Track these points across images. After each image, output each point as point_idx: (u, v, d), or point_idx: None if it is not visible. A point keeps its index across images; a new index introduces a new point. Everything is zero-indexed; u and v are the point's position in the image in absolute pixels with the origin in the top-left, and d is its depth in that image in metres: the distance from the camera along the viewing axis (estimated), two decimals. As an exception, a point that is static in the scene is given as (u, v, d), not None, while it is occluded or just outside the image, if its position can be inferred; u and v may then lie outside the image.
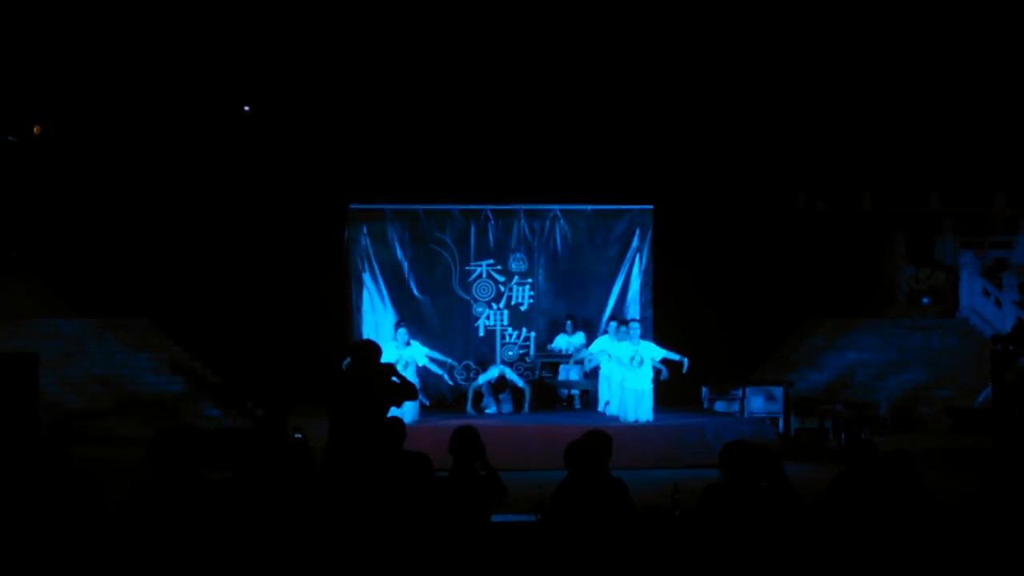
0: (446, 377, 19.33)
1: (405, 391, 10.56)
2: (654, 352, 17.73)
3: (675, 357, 17.63)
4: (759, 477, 7.09)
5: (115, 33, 26.56)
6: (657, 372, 17.70)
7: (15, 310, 23.30)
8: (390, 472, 8.16)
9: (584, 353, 19.80)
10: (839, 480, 7.57)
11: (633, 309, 20.90)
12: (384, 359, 16.02)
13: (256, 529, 6.80)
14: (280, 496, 7.08)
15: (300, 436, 10.17)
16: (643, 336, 18.18)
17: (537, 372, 20.46)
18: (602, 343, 18.93)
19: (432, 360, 18.40)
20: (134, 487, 6.87)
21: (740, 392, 20.97)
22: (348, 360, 11.28)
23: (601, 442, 8.02)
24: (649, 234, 21.27)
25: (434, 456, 8.28)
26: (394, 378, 10.62)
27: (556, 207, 21.46)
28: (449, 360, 19.14)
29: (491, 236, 21.28)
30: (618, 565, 7.32)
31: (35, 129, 26.80)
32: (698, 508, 7.31)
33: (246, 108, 28.91)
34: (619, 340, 18.31)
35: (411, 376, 17.29)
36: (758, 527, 6.91)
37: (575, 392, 20.78)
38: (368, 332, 19.97)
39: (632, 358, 17.59)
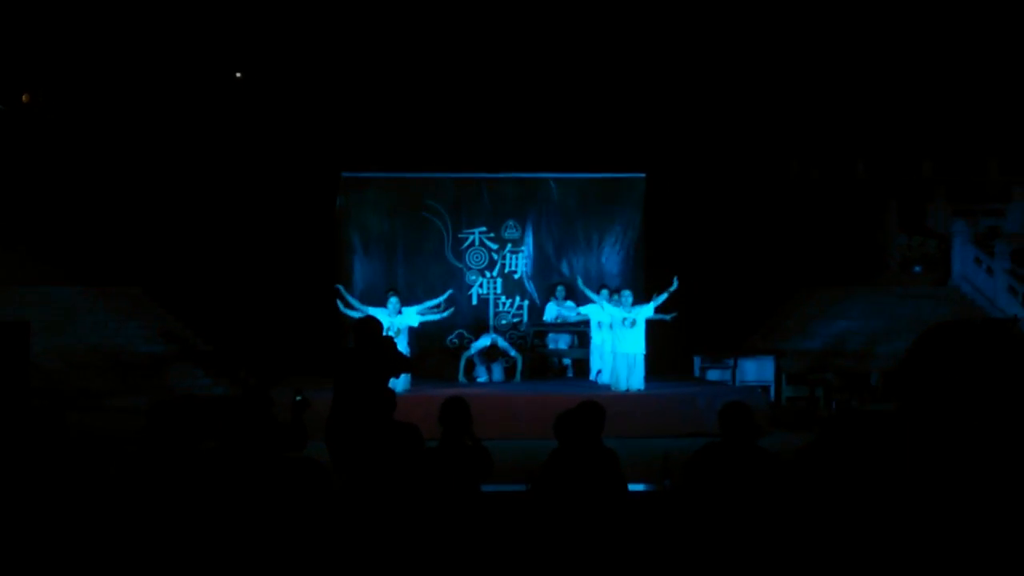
0: (443, 315, 19.04)
1: (402, 364, 11.31)
2: (646, 311, 17.71)
3: (663, 296, 17.62)
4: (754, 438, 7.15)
5: (105, 1, 26.39)
6: (663, 316, 17.70)
7: (6, 278, 23.23)
8: (381, 442, 8.16)
9: (571, 313, 19.89)
10: (814, 444, 7.61)
11: (625, 277, 20.90)
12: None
13: (243, 499, 6.80)
14: (265, 466, 7.07)
15: (300, 398, 10.18)
16: (635, 304, 18.13)
17: (529, 341, 20.46)
18: (596, 305, 18.93)
19: (425, 313, 18.39)
20: (130, 458, 6.85)
21: (732, 361, 20.96)
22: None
23: (594, 413, 8.03)
24: (641, 202, 21.30)
25: (426, 426, 8.28)
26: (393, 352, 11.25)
27: (549, 175, 21.47)
28: (439, 300, 18.93)
29: (484, 204, 21.30)
30: (607, 536, 7.33)
31: (24, 97, 26.67)
32: (691, 464, 7.38)
33: (238, 75, 28.76)
34: (612, 307, 18.32)
35: (403, 343, 17.36)
36: (747, 487, 6.96)
37: (567, 361, 20.80)
38: (361, 300, 19.97)
39: (624, 319, 17.58)
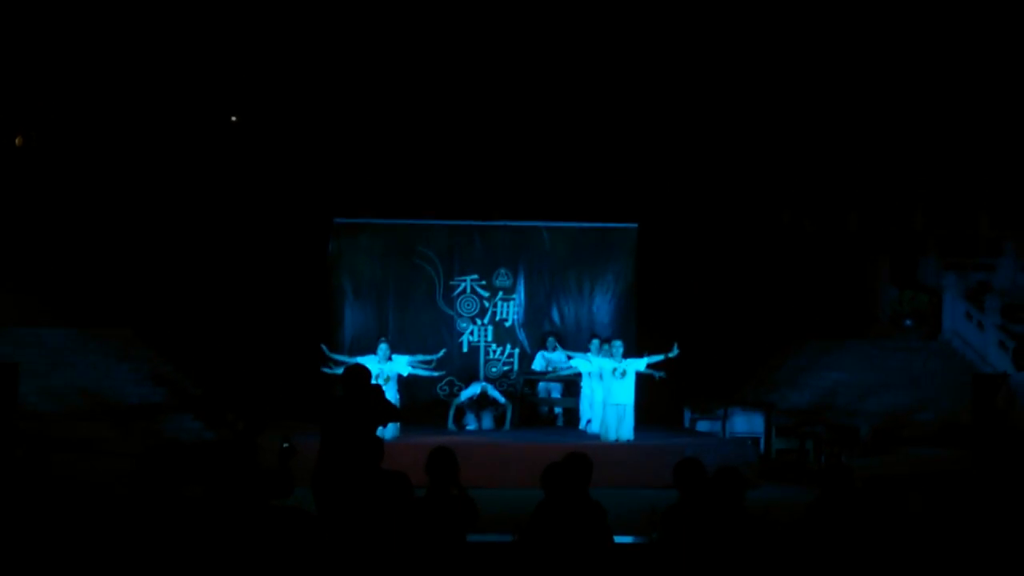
0: (432, 373, 19.01)
1: (390, 413, 11.20)
2: (637, 364, 17.71)
3: (660, 357, 17.64)
4: (715, 495, 7.16)
5: (100, 42, 26.48)
6: (652, 372, 17.73)
7: (-4, 318, 23.23)
8: (369, 491, 8.15)
9: (561, 364, 19.90)
10: (815, 506, 7.58)
11: (616, 327, 20.89)
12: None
13: (227, 546, 6.77)
14: (250, 513, 7.04)
15: (287, 445, 10.14)
16: (626, 355, 18.11)
17: (519, 389, 20.41)
18: (584, 359, 18.93)
19: (416, 366, 18.31)
20: (115, 504, 6.82)
21: (722, 412, 20.92)
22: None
23: (581, 465, 8.02)
24: (633, 252, 21.32)
25: (414, 474, 8.26)
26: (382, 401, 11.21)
27: (541, 224, 21.51)
28: (432, 357, 18.89)
29: (476, 251, 21.31)
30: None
31: (17, 140, 26.72)
32: (660, 530, 7.43)
33: (233, 119, 28.84)
34: (602, 358, 18.32)
35: (392, 390, 17.34)
36: (718, 547, 6.96)
37: (558, 410, 20.76)
38: (351, 346, 19.94)
39: (615, 369, 17.57)
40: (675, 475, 7.82)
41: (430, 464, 7.93)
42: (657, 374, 17.83)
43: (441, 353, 19.23)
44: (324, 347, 18.36)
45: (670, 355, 17.60)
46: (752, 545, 7.03)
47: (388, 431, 16.94)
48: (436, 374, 19.14)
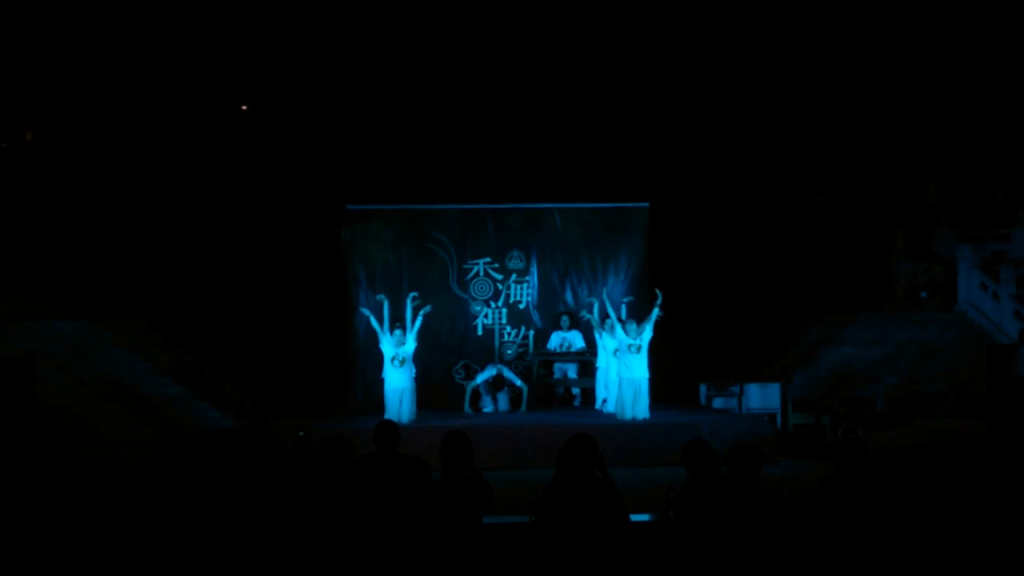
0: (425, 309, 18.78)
1: None
2: (647, 332, 17.75)
3: (655, 310, 17.76)
4: (730, 472, 7.18)
5: (109, 33, 26.52)
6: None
7: (13, 313, 23.30)
8: (385, 475, 8.18)
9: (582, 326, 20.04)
10: (830, 480, 7.59)
11: (630, 306, 20.90)
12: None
13: (246, 531, 6.82)
14: (267, 498, 7.08)
15: (303, 433, 10.16)
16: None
17: (535, 370, 20.44)
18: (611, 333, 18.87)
19: (414, 322, 18.24)
20: (134, 493, 6.86)
21: (738, 388, 20.92)
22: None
23: (584, 445, 8.01)
24: (645, 231, 21.30)
25: (431, 457, 8.29)
26: None
27: (553, 205, 21.51)
28: (409, 309, 18.63)
29: (488, 235, 21.33)
30: (607, 566, 7.32)
31: (27, 136, 26.80)
32: (674, 510, 7.45)
33: (243, 107, 28.88)
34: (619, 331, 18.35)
35: (408, 372, 17.47)
36: (732, 524, 6.98)
37: (575, 391, 20.80)
38: (366, 333, 19.99)
39: (631, 345, 17.61)
40: (683, 457, 7.79)
41: (444, 448, 7.95)
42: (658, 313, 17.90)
43: (413, 294, 18.81)
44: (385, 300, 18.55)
45: (657, 303, 17.74)
46: (766, 521, 7.05)
47: (405, 414, 17.07)
48: (428, 308, 18.69)
